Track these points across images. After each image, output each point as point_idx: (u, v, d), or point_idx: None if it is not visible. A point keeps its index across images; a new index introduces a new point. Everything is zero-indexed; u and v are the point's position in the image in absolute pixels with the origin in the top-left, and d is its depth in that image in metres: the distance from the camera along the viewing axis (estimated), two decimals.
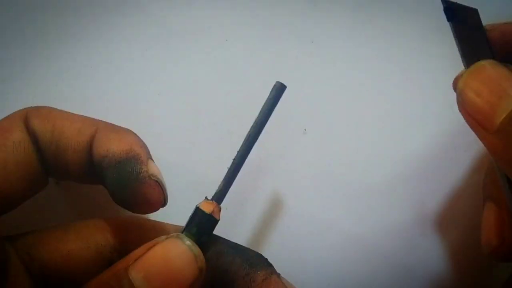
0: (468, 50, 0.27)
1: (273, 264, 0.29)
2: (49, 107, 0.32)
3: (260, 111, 0.31)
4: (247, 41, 0.41)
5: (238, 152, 0.31)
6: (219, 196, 0.30)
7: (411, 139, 0.41)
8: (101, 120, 0.33)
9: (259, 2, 0.41)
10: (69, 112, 0.32)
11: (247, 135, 0.31)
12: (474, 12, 0.27)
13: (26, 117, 0.30)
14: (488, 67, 0.24)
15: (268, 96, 0.32)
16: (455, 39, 0.28)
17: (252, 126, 0.31)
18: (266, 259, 0.29)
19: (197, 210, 0.29)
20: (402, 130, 0.41)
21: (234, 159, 0.31)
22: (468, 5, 0.28)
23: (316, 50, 0.41)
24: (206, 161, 0.39)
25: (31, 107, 0.32)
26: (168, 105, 0.40)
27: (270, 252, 0.38)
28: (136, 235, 0.31)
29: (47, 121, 0.30)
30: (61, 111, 0.32)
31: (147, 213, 0.31)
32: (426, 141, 0.41)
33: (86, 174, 0.31)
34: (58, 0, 0.41)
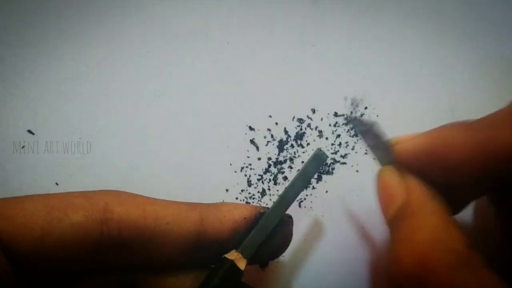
0: (376, 153, 0.31)
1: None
2: (127, 192, 0.30)
3: (298, 177, 0.31)
4: (249, 44, 0.42)
5: (270, 210, 0.30)
6: (247, 249, 0.29)
7: None
8: (188, 202, 0.31)
9: (261, 6, 0.42)
10: (148, 197, 0.30)
11: (281, 196, 0.30)
12: (374, 123, 0.30)
13: (105, 204, 0.28)
14: (384, 175, 0.30)
15: (308, 164, 0.31)
16: (365, 144, 0.32)
17: (287, 190, 0.30)
18: None
19: (223, 259, 0.29)
20: (402, 133, 0.41)
21: (266, 215, 0.30)
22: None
23: (317, 54, 0.42)
24: (207, 162, 0.39)
25: (107, 192, 0.29)
26: (169, 106, 0.40)
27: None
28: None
29: (136, 208, 0.28)
30: (140, 196, 0.30)
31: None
32: None
33: (183, 255, 0.30)
34: (61, 2, 0.42)
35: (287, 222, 0.31)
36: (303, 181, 0.30)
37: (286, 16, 0.41)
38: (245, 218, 0.30)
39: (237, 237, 0.29)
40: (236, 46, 0.41)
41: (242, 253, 0.29)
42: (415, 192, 0.27)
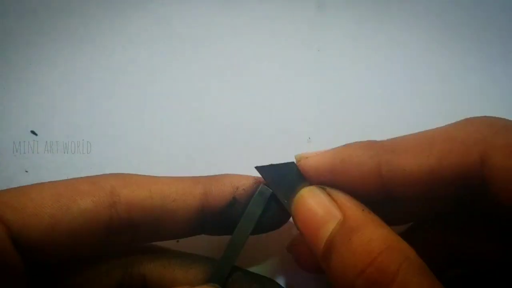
0: (289, 197, 0.29)
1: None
2: (131, 174, 0.30)
3: (244, 220, 0.30)
4: (253, 48, 0.42)
5: (220, 262, 0.30)
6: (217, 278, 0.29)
7: None
8: (190, 177, 0.31)
9: (266, 9, 0.42)
10: (152, 176, 0.30)
11: (228, 245, 0.30)
12: (291, 164, 0.30)
13: (112, 187, 0.28)
14: (306, 197, 0.28)
15: (252, 204, 0.30)
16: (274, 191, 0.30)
17: (234, 238, 0.29)
18: (280, 285, 0.31)
19: None
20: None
21: (217, 266, 0.30)
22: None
23: (322, 58, 0.41)
24: (207, 162, 0.39)
25: (112, 175, 0.29)
26: (170, 107, 0.40)
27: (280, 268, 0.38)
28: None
29: (142, 189, 0.28)
30: (144, 176, 0.30)
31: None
32: None
33: (190, 229, 0.30)
34: (65, 3, 0.41)
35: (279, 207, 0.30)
36: (249, 224, 0.29)
37: (291, 20, 0.41)
38: (244, 189, 0.30)
39: (239, 206, 0.30)
40: (240, 50, 0.41)
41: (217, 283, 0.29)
42: (351, 208, 0.26)
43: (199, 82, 0.41)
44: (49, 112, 0.40)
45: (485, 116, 0.27)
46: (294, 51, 0.41)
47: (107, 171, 0.37)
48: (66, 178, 0.38)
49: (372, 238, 0.24)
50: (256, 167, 0.30)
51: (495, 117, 0.26)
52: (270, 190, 0.30)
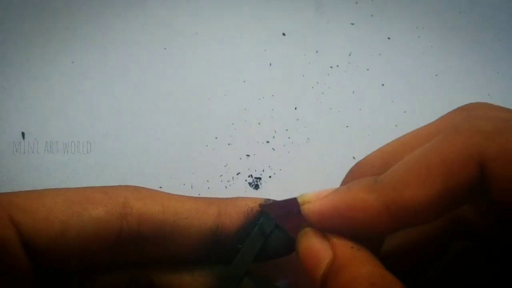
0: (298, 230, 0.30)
1: None
2: (145, 188, 0.30)
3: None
4: (252, 49, 0.42)
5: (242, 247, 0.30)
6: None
7: None
8: (204, 198, 0.31)
9: (265, 11, 0.42)
10: (166, 192, 0.30)
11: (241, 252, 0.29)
12: (292, 200, 0.30)
13: (125, 199, 0.28)
14: (307, 235, 0.29)
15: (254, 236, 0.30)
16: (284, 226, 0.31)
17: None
18: None
19: None
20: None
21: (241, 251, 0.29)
22: None
23: (320, 59, 0.41)
24: (207, 162, 0.39)
25: (126, 187, 0.29)
26: (169, 107, 0.40)
27: None
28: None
29: (154, 203, 0.28)
30: (158, 191, 0.30)
31: None
32: None
33: (202, 251, 0.30)
34: (62, 2, 0.41)
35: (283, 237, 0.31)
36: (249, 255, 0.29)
37: (290, 21, 0.41)
38: (258, 209, 0.30)
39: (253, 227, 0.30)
40: (239, 51, 0.41)
41: None
42: (340, 247, 0.27)
43: (198, 82, 0.41)
44: (49, 112, 0.40)
45: (465, 111, 0.27)
46: (293, 52, 0.41)
47: (107, 171, 0.38)
48: (66, 178, 0.38)
49: (356, 275, 0.25)
50: (261, 206, 0.30)
51: (477, 115, 0.26)
52: (272, 222, 0.30)
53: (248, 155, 0.39)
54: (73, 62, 0.41)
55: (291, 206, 0.30)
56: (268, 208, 0.30)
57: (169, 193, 0.30)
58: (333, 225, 0.28)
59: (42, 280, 0.27)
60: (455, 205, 0.25)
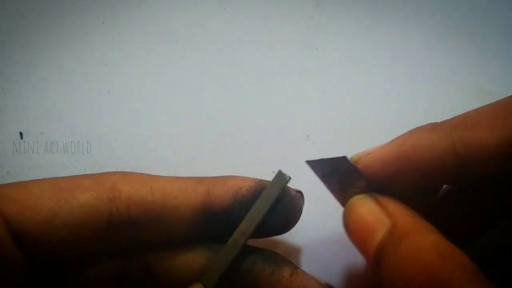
0: (340, 193, 0.29)
1: None
2: (133, 172, 0.30)
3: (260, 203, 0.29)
4: (252, 46, 0.42)
5: (233, 236, 0.29)
6: (209, 281, 0.28)
7: None
8: (193, 177, 0.30)
9: (265, 8, 0.42)
10: (153, 175, 0.30)
11: (244, 220, 0.29)
12: (342, 159, 0.28)
13: (113, 183, 0.28)
14: (357, 206, 0.28)
15: (270, 187, 0.29)
16: (326, 186, 0.30)
17: (248, 218, 0.29)
18: (284, 256, 0.30)
19: None
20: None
21: (228, 244, 0.28)
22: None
23: (320, 56, 0.41)
24: (208, 162, 0.39)
25: (113, 172, 0.29)
26: (169, 107, 0.40)
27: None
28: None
29: (143, 186, 0.28)
30: (146, 174, 0.30)
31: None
32: None
33: (192, 229, 0.29)
34: (59, 2, 0.41)
35: (294, 197, 0.30)
36: (264, 206, 0.29)
37: (289, 18, 0.41)
38: (247, 189, 0.29)
39: (242, 207, 0.29)
40: (238, 48, 0.41)
41: (205, 285, 0.28)
42: (400, 216, 0.26)
43: (198, 81, 0.41)
44: (49, 112, 0.40)
45: None
46: (293, 49, 0.41)
47: (107, 171, 0.37)
48: None
49: (422, 245, 0.23)
50: (307, 161, 0.29)
51: None
52: (288, 176, 0.29)
53: (247, 152, 0.39)
54: (72, 62, 0.41)
55: (340, 163, 0.28)
56: (314, 165, 0.29)
57: (157, 175, 0.29)
58: (397, 171, 0.26)
59: (38, 274, 0.26)
60: None
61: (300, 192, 0.31)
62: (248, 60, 0.41)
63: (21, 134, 0.39)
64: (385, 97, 0.41)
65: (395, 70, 0.41)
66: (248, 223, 0.29)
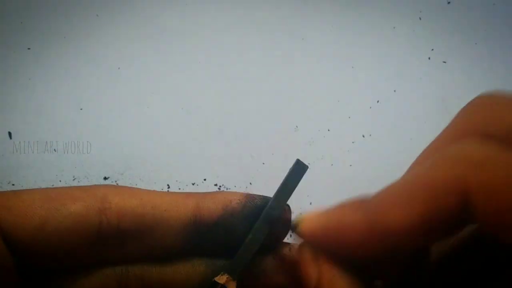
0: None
1: None
2: (124, 186, 0.31)
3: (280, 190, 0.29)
4: (239, 39, 0.42)
5: (255, 227, 0.29)
6: (232, 270, 0.29)
7: (402, 134, 0.41)
8: (183, 192, 0.31)
9: (251, 1, 0.42)
10: (145, 189, 0.31)
11: (265, 211, 0.29)
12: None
13: (103, 195, 0.28)
14: (303, 252, 0.29)
15: (288, 176, 0.29)
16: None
17: (269, 207, 0.29)
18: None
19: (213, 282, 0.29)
20: (393, 124, 0.41)
21: (252, 234, 0.29)
22: None
23: (307, 47, 0.42)
24: (201, 158, 0.40)
25: (105, 185, 0.30)
26: (169, 107, 0.41)
27: None
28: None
29: (133, 198, 0.29)
30: (137, 188, 0.30)
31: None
32: (418, 137, 0.40)
33: (182, 243, 0.30)
34: (56, 2, 0.42)
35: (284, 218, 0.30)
36: (285, 196, 0.29)
37: (275, 9, 0.41)
38: (237, 202, 0.30)
39: (232, 219, 0.29)
40: (225, 40, 0.42)
41: (230, 274, 0.28)
42: (325, 270, 0.27)
43: (185, 74, 0.41)
44: (49, 112, 0.40)
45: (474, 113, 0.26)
46: (279, 39, 0.41)
47: (107, 172, 0.38)
48: (66, 178, 0.38)
49: None
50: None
51: (471, 141, 0.24)
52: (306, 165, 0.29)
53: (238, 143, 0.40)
54: (72, 63, 0.42)
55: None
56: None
57: (148, 189, 0.30)
58: (323, 245, 0.28)
59: (29, 283, 0.27)
60: (439, 233, 0.25)
61: (287, 205, 0.31)
62: (235, 51, 0.41)
63: (9, 134, 0.40)
64: (371, 86, 0.41)
65: (382, 59, 0.41)
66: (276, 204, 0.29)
